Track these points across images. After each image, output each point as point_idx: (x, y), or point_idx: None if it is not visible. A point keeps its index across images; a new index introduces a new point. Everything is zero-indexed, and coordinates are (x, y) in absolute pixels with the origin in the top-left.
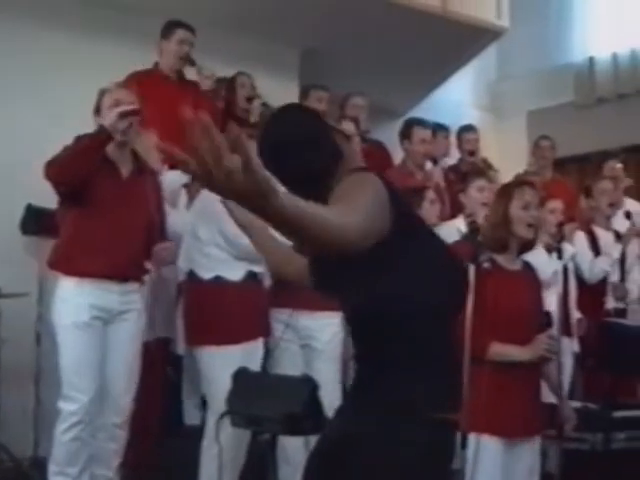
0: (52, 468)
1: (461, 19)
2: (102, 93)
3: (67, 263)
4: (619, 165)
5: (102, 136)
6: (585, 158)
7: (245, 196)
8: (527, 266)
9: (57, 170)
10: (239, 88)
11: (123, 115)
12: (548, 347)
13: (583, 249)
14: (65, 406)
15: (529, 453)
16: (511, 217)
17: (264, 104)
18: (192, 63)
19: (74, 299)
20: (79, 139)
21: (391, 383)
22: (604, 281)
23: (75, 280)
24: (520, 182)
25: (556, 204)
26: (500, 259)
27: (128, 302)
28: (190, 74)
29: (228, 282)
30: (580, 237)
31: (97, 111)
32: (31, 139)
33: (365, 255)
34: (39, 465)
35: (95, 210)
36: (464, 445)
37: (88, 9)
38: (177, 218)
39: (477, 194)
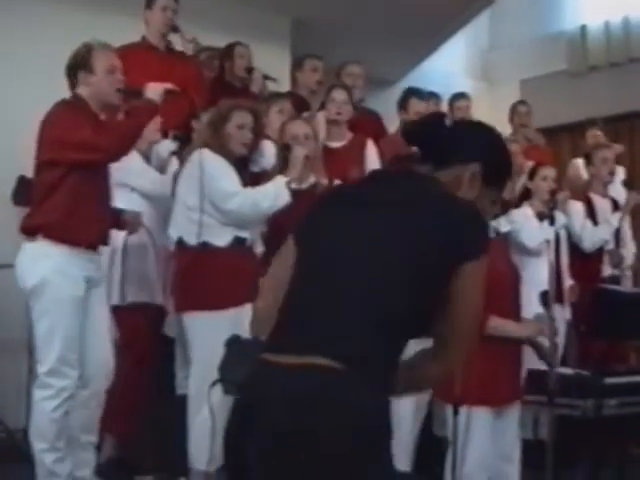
0: (41, 446)
1: None
2: (89, 50)
3: (60, 229)
4: (599, 133)
5: (155, 110)
6: (578, 126)
7: None
8: (497, 233)
9: (119, 143)
10: (237, 58)
11: (167, 92)
12: (546, 329)
13: (580, 217)
14: (56, 382)
15: (515, 417)
16: None
17: (265, 76)
18: (175, 30)
19: (70, 270)
20: (133, 111)
21: None
22: (600, 249)
23: (68, 249)
24: None
25: (548, 171)
26: None
27: (98, 269)
28: (178, 45)
29: (215, 248)
30: (576, 205)
31: (81, 66)
32: (22, 111)
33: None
34: None
35: (90, 176)
36: (456, 412)
37: None
38: (156, 182)
39: None
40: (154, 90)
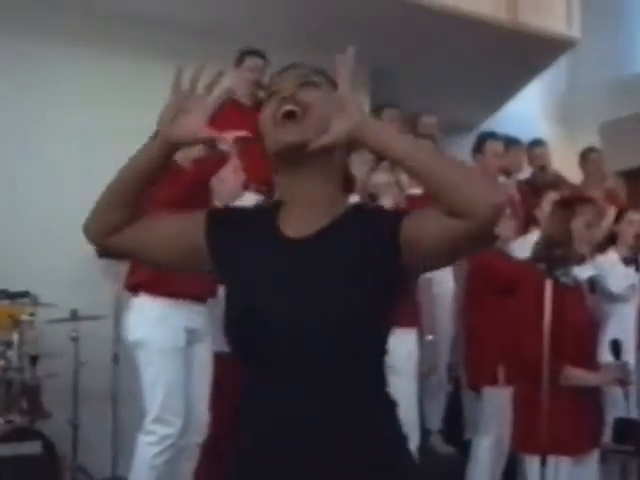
0: None
1: (531, 31)
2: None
3: (160, 284)
4: None
5: (223, 160)
6: None
7: None
8: (576, 280)
9: (182, 194)
10: None
11: (239, 140)
12: (619, 377)
13: None
14: (160, 430)
15: (594, 465)
16: (574, 234)
17: None
18: (260, 87)
19: (171, 322)
20: (200, 162)
21: None
22: None
23: (168, 301)
24: (582, 198)
25: (636, 216)
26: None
27: (205, 322)
28: None
29: None
30: None
31: None
32: (108, 164)
33: None
34: None
35: None
36: (543, 463)
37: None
38: None
39: None
40: (225, 140)
